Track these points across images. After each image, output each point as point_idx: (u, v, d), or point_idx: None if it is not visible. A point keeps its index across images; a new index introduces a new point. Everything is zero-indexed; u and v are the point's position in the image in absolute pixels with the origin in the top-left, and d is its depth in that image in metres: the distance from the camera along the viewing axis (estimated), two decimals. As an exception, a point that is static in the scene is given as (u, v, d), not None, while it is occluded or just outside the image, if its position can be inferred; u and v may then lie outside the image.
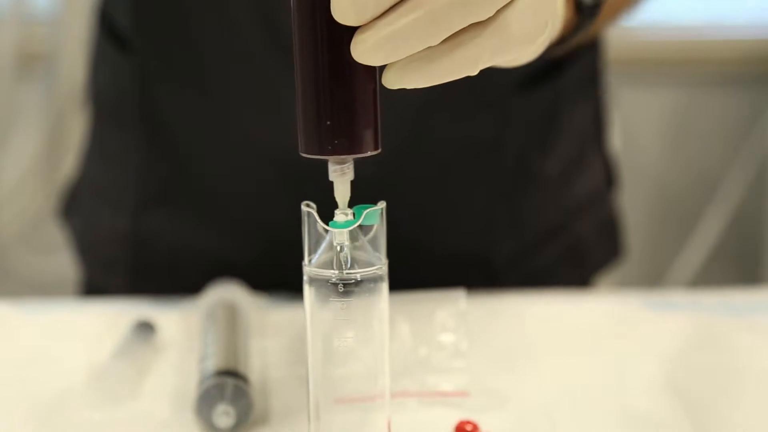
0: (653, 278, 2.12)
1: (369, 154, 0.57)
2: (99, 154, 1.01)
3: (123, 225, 0.97)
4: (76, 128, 1.84)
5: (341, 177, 0.58)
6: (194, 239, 0.95)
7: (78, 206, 1.03)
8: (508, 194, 0.95)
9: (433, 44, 0.54)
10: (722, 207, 2.10)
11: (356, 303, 0.60)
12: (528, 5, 0.56)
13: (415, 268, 0.90)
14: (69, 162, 1.27)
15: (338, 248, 0.59)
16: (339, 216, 0.59)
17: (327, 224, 0.59)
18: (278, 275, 0.88)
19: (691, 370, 0.79)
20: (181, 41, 0.90)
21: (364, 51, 0.53)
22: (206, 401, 0.69)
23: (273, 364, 0.80)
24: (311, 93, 0.56)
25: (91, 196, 1.01)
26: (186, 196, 0.95)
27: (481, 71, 0.89)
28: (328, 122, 0.56)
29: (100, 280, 1.02)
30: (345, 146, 0.56)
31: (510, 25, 0.55)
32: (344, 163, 0.58)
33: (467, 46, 0.55)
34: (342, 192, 0.58)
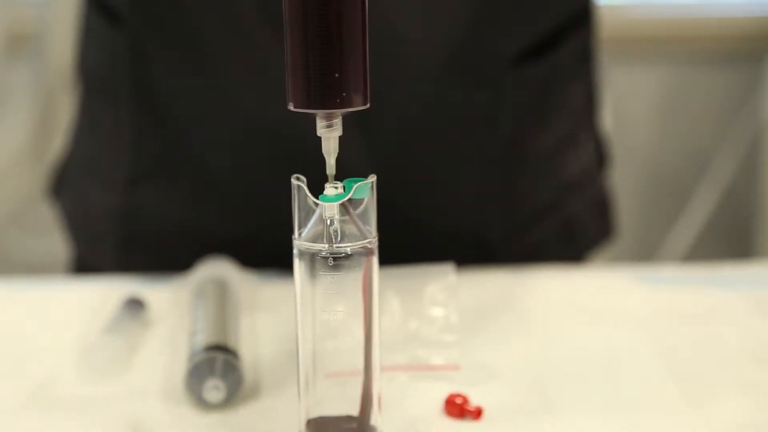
0: (645, 255, 2.12)
1: (359, 108, 0.57)
2: (90, 131, 1.00)
3: (114, 200, 0.97)
4: (67, 108, 1.84)
5: (330, 132, 0.58)
6: (185, 215, 0.95)
7: (68, 183, 1.03)
8: (501, 171, 0.95)
9: None
10: (714, 184, 2.11)
11: (346, 276, 0.60)
12: None
13: (410, 244, 0.90)
14: (60, 142, 1.27)
15: (328, 222, 0.59)
16: (329, 189, 0.59)
17: (317, 198, 0.59)
18: (269, 251, 0.88)
19: (682, 343, 0.79)
20: (175, 15, 0.90)
21: None
22: (196, 376, 0.69)
23: (263, 340, 0.79)
24: (302, 48, 0.56)
25: (82, 173, 1.01)
26: (178, 171, 0.94)
27: (476, 47, 0.90)
28: (318, 77, 0.56)
29: (90, 256, 1.02)
30: (335, 100, 0.57)
31: None
32: (333, 118, 0.58)
33: None
34: (330, 147, 0.59)
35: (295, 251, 0.60)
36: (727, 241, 2.18)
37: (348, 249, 0.59)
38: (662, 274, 0.94)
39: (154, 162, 0.95)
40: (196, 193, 0.94)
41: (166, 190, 0.95)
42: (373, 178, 0.59)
